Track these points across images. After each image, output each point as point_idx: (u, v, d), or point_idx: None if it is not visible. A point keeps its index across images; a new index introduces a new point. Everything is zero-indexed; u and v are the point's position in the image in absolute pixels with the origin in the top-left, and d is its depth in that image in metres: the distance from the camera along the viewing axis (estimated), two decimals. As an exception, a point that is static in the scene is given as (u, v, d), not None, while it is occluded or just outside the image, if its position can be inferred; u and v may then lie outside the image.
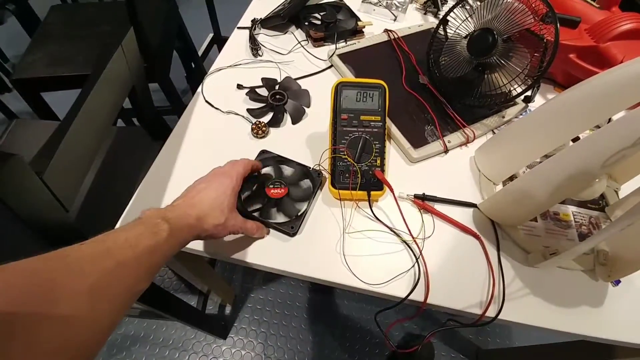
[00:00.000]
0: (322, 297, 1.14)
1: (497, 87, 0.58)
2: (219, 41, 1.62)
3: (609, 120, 0.49)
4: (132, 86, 0.50)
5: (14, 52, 1.62)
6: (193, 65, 1.35)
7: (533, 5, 0.53)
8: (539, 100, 0.66)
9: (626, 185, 0.55)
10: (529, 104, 0.62)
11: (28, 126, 0.73)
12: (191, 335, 1.06)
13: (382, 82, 0.49)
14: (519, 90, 0.57)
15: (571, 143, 0.56)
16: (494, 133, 0.60)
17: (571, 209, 0.53)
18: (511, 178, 0.54)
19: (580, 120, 0.41)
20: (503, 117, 0.60)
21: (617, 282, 0.47)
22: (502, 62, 0.55)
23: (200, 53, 1.56)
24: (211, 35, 1.62)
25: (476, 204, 0.51)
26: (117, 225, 0.47)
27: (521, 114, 0.63)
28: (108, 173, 0.60)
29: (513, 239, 0.49)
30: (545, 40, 0.55)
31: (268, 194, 0.47)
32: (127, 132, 0.69)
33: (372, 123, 0.48)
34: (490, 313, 0.43)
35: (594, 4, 0.65)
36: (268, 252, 0.46)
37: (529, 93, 0.58)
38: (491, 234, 0.49)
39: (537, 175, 0.41)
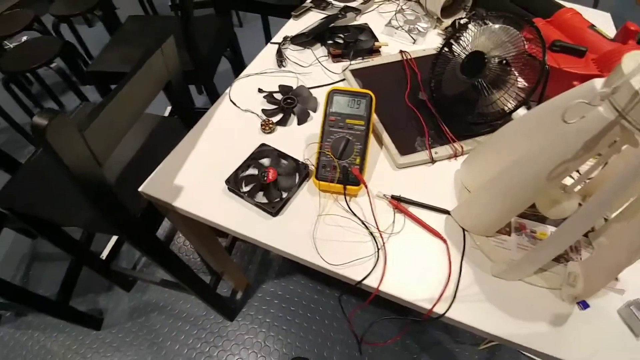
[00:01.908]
0: (326, 300, 1.18)
1: (491, 104, 0.60)
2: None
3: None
4: (168, 81, 0.62)
5: (99, 52, 1.95)
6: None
7: (530, 34, 0.56)
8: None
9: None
10: (527, 127, 0.64)
11: (92, 108, 0.90)
12: (203, 312, 1.17)
13: (369, 92, 0.55)
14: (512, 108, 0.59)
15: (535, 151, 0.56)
16: (484, 150, 0.62)
17: (550, 229, 0.54)
18: (490, 192, 0.56)
19: (548, 129, 0.43)
20: (496, 136, 0.63)
21: (585, 306, 0.47)
22: (493, 83, 0.58)
23: (251, 64, 1.75)
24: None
25: (449, 211, 0.54)
26: (141, 189, 0.59)
27: (518, 136, 0.64)
28: (145, 152, 0.73)
29: (481, 248, 0.51)
30: (540, 63, 0.57)
31: (263, 172, 0.55)
32: (168, 121, 0.82)
33: (356, 126, 0.55)
34: (441, 310, 0.46)
35: (607, 35, 0.65)
36: (252, 224, 0.53)
37: (523, 112, 0.60)
38: (459, 241, 0.52)
39: (494, 184, 0.44)
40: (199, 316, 1.16)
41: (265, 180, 0.54)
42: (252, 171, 0.58)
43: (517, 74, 0.58)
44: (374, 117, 0.57)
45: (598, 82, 0.36)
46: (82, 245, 1.06)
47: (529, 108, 0.59)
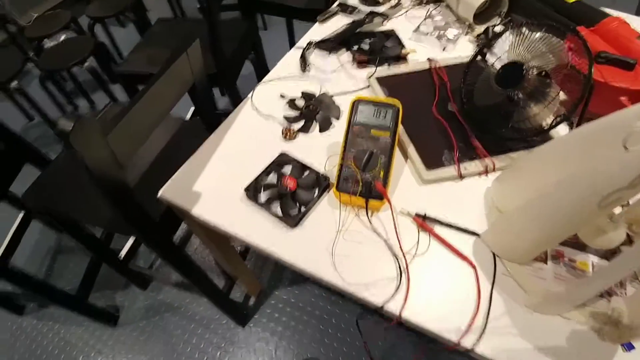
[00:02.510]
0: (341, 312, 1.15)
1: (528, 118, 0.56)
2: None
3: None
4: (192, 83, 0.61)
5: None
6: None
7: (573, 44, 0.52)
8: (582, 142, 0.61)
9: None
10: (566, 144, 0.59)
11: (119, 109, 0.92)
12: (215, 315, 1.16)
13: (396, 101, 0.53)
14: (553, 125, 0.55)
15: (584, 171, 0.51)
16: (518, 167, 0.58)
17: (592, 258, 0.49)
18: (525, 213, 0.52)
19: (602, 151, 0.39)
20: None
21: (630, 347, 0.42)
22: (531, 96, 0.54)
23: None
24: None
25: (479, 234, 0.50)
26: (160, 194, 0.58)
27: (557, 153, 0.59)
28: (166, 155, 0.73)
29: (514, 276, 0.47)
30: (584, 77, 0.53)
31: (283, 181, 0.53)
32: (191, 124, 0.82)
33: (381, 138, 0.52)
34: (468, 344, 0.42)
35: (662, 47, 0.60)
36: (269, 236, 0.52)
37: (564, 129, 0.55)
38: (489, 267, 0.48)
39: (533, 207, 0.40)
40: (212, 319, 1.16)
41: (285, 190, 0.53)
42: (272, 179, 0.56)
43: (558, 88, 0.53)
44: (400, 128, 0.54)
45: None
46: (102, 242, 1.07)
47: (570, 125, 0.55)
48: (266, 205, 0.53)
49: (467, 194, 0.56)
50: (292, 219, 0.51)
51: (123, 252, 1.11)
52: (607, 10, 0.73)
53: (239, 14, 1.56)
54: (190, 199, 0.57)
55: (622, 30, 0.64)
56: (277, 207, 0.53)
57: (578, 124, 0.56)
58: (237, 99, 1.16)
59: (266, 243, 0.51)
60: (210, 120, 0.70)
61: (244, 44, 1.19)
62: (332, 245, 0.50)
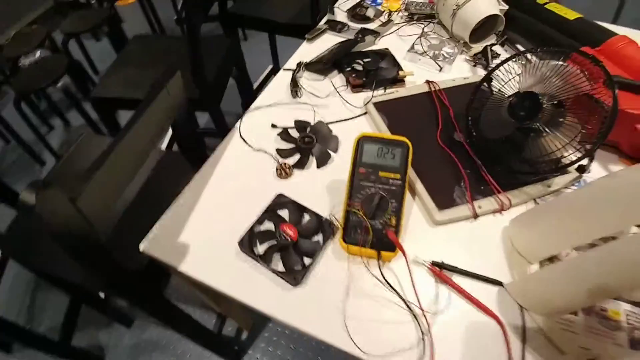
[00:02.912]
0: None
1: (545, 152, 0.52)
2: (277, 73, 1.74)
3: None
4: (174, 119, 0.54)
5: (104, 66, 1.92)
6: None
7: (587, 70, 0.49)
8: (596, 170, 0.58)
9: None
10: (583, 175, 0.55)
11: (93, 140, 0.83)
12: (207, 353, 1.08)
13: (406, 139, 0.47)
14: (572, 158, 0.51)
15: (635, 229, 0.48)
16: (535, 203, 0.54)
17: (624, 306, 0.45)
18: (550, 259, 0.48)
19: None
20: (549, 186, 0.54)
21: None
22: (548, 129, 0.50)
23: (258, 82, 1.69)
24: (270, 67, 1.74)
25: (502, 283, 0.46)
26: (141, 248, 0.51)
27: (573, 185, 0.56)
28: (146, 196, 0.65)
29: (544, 331, 0.43)
30: (604, 106, 0.49)
31: (282, 230, 0.47)
32: (171, 156, 0.75)
33: (390, 180, 0.47)
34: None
35: (673, 68, 0.57)
36: (269, 297, 0.45)
37: (583, 162, 0.52)
38: (517, 321, 0.43)
39: (576, 268, 0.36)
40: (203, 356, 1.07)
41: (286, 241, 0.46)
42: (269, 227, 0.50)
43: (575, 118, 0.50)
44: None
45: None
46: (80, 285, 0.98)
47: (591, 159, 0.51)
48: (265, 260, 0.46)
49: (483, 235, 0.51)
50: (295, 276, 0.45)
51: (103, 293, 1.02)
52: (611, 27, 0.70)
53: (217, 26, 1.49)
54: (176, 253, 0.50)
55: (631, 50, 0.61)
56: (277, 262, 0.47)
57: (593, 157, 0.52)
58: (221, 123, 1.08)
59: (267, 306, 0.45)
60: (193, 154, 0.63)
61: (227, 63, 1.12)
62: (342, 305, 0.44)
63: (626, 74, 0.60)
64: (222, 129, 1.11)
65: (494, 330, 0.43)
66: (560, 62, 0.50)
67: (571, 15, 0.73)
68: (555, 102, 0.51)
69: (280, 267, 0.47)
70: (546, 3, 0.77)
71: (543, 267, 0.42)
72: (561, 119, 0.51)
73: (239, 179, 0.59)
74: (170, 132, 1.04)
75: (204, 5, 0.97)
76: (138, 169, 0.48)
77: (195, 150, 0.64)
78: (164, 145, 1.00)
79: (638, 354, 0.41)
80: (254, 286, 0.46)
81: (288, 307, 0.45)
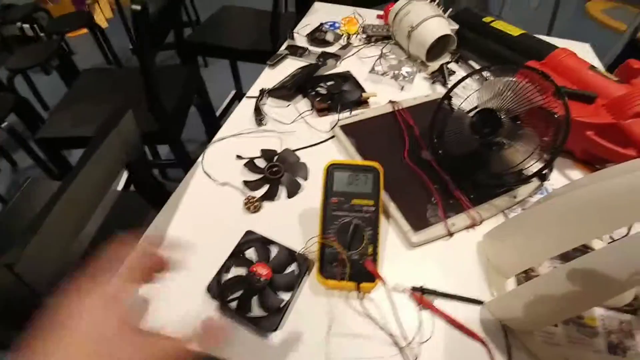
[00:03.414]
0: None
1: (508, 165, 0.54)
2: (241, 98, 1.72)
3: None
4: (127, 161, 0.50)
5: (55, 101, 1.82)
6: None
7: (538, 84, 0.51)
8: (555, 177, 0.61)
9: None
10: (543, 183, 0.58)
11: (41, 185, 0.76)
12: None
13: (376, 164, 0.47)
14: (533, 169, 0.53)
15: (607, 237, 0.49)
16: (504, 215, 0.55)
17: (598, 312, 0.46)
18: (526, 272, 0.48)
19: (614, 216, 0.36)
20: (514, 197, 0.56)
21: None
22: (509, 142, 0.52)
23: (222, 109, 1.66)
24: (233, 92, 1.72)
25: (483, 302, 0.45)
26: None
27: (536, 193, 0.58)
28: (101, 243, 0.59)
29: (527, 346, 0.42)
30: (557, 117, 0.52)
31: (253, 271, 0.44)
32: (126, 197, 0.70)
33: (364, 207, 0.46)
34: None
35: (613, 77, 0.62)
36: (240, 346, 0.42)
37: (544, 171, 0.54)
38: (501, 340, 0.43)
39: (552, 283, 0.36)
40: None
41: (260, 282, 0.43)
42: (239, 269, 0.47)
43: (533, 130, 0.52)
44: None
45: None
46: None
47: (551, 168, 0.53)
48: (243, 310, 0.43)
49: (459, 253, 0.51)
50: (271, 324, 0.41)
51: None
52: (552, 41, 0.75)
53: (175, 53, 1.45)
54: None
55: (572, 62, 0.66)
56: (252, 308, 0.43)
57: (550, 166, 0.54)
58: (182, 156, 1.04)
59: (242, 356, 0.41)
60: (151, 195, 0.59)
61: (187, 92, 1.09)
62: (325, 346, 0.41)
63: (570, 83, 0.63)
64: (185, 161, 1.07)
65: (480, 352, 0.42)
66: (513, 79, 0.52)
67: (515, 31, 0.78)
68: (513, 116, 0.53)
69: (256, 312, 0.43)
70: (492, 21, 0.82)
71: (519, 283, 0.42)
72: (520, 132, 0.53)
73: (205, 216, 0.55)
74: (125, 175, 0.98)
75: (158, 34, 0.95)
76: (89, 217, 0.43)
77: (154, 190, 0.59)
78: (120, 186, 0.94)
79: (616, 359, 0.42)
80: (230, 337, 0.42)
81: (266, 355, 0.41)
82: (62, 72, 1.74)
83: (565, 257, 0.48)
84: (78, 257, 0.60)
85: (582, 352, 0.42)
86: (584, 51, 0.92)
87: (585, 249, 0.48)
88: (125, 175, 0.95)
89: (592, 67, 0.64)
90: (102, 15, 2.56)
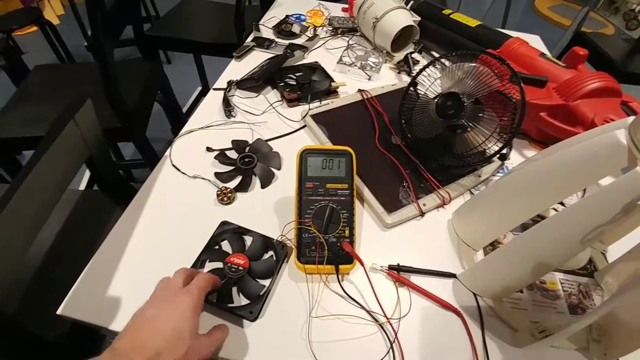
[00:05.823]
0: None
1: (471, 147, 0.57)
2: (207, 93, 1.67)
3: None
4: (88, 156, 0.48)
5: (2, 103, 1.67)
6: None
7: (496, 69, 0.54)
8: (515, 157, 0.65)
9: (613, 247, 0.52)
10: (504, 162, 0.61)
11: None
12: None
13: (348, 148, 0.48)
14: (494, 149, 0.56)
15: (558, 206, 0.53)
16: (471, 193, 0.58)
17: (558, 276, 0.50)
18: (492, 244, 0.51)
19: (563, 185, 0.39)
20: (479, 176, 0.59)
21: (617, 363, 0.42)
22: (471, 124, 0.54)
23: (188, 105, 1.60)
24: (199, 88, 1.67)
25: (455, 274, 0.47)
26: (59, 311, 0.42)
27: (498, 172, 0.61)
28: (62, 246, 0.55)
29: (497, 314, 0.45)
30: (513, 100, 0.55)
31: (229, 262, 0.43)
32: (88, 196, 0.65)
33: (339, 191, 0.46)
34: (478, 408, 0.38)
35: (560, 63, 0.67)
36: (227, 340, 0.41)
37: (504, 151, 0.57)
38: (474, 309, 0.45)
39: (514, 249, 0.38)
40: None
41: (238, 272, 0.43)
42: (216, 262, 0.46)
43: (492, 112, 0.55)
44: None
45: (621, 134, 0.31)
46: None
47: (510, 148, 0.56)
48: (224, 302, 0.42)
49: (431, 231, 0.53)
50: (248, 311, 0.41)
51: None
52: (504, 31, 0.80)
53: (136, 49, 1.38)
54: (104, 310, 0.42)
55: (525, 49, 0.70)
56: (229, 301, 0.43)
57: (511, 145, 0.58)
58: (149, 153, 1.00)
59: (225, 350, 0.40)
60: (115, 193, 0.56)
61: (149, 87, 1.04)
62: (306, 331, 0.42)
63: (524, 69, 0.68)
64: (151, 159, 1.02)
65: (455, 322, 0.44)
66: (472, 64, 0.54)
67: (472, 22, 0.82)
68: (474, 100, 0.56)
69: (237, 302, 0.43)
70: (451, 13, 0.86)
71: (484, 258, 0.45)
72: (480, 114, 0.56)
73: (175, 211, 0.53)
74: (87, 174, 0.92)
75: (115, 23, 0.90)
76: (44, 220, 0.40)
77: (119, 187, 0.56)
78: (82, 185, 0.88)
79: (577, 318, 0.46)
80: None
81: (248, 344, 0.41)
82: (10, 72, 1.60)
83: (525, 228, 0.51)
84: (38, 262, 0.56)
85: (546, 315, 0.46)
86: (535, 42, 0.99)
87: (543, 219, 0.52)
88: (87, 174, 0.89)
89: (543, 55, 0.69)
90: (52, 12, 2.39)
